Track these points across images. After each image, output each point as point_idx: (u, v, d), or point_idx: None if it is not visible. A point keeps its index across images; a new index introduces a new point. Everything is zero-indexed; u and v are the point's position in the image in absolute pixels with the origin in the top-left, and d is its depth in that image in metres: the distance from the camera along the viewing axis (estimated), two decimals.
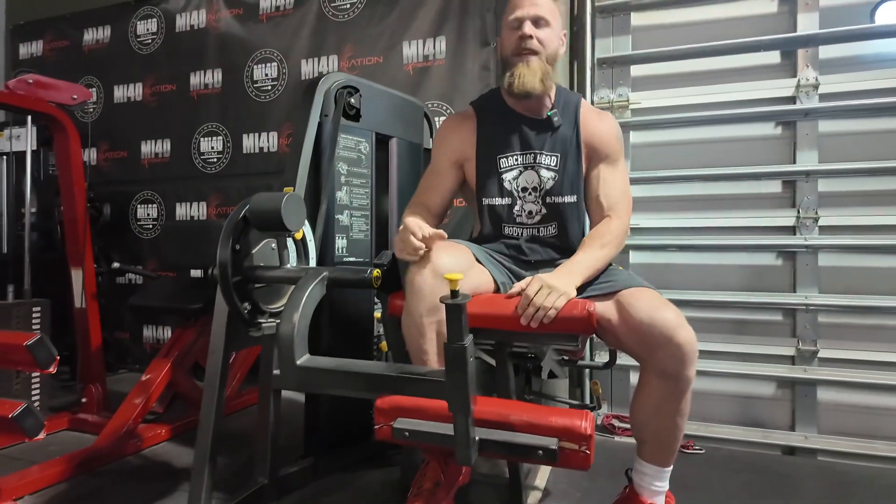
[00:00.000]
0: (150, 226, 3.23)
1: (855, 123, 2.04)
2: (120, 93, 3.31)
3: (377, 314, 1.84)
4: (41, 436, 1.33)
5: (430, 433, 1.11)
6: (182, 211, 3.15)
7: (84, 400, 2.23)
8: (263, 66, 2.96)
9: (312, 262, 1.46)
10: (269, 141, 2.96)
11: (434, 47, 2.62)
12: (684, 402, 1.21)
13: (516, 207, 1.45)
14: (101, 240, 2.99)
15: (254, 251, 1.31)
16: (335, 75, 1.73)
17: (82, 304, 2.23)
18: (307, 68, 2.87)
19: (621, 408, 2.22)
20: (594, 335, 1.35)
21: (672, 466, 1.27)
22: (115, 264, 2.81)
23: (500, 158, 1.45)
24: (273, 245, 1.36)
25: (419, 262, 1.24)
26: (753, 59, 2.15)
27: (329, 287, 1.19)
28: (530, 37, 1.34)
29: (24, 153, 2.24)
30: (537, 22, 1.36)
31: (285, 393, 1.70)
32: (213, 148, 3.08)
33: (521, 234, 1.46)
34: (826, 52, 2.07)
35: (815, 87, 2.05)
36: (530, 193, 1.44)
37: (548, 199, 1.43)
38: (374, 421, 1.21)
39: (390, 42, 2.69)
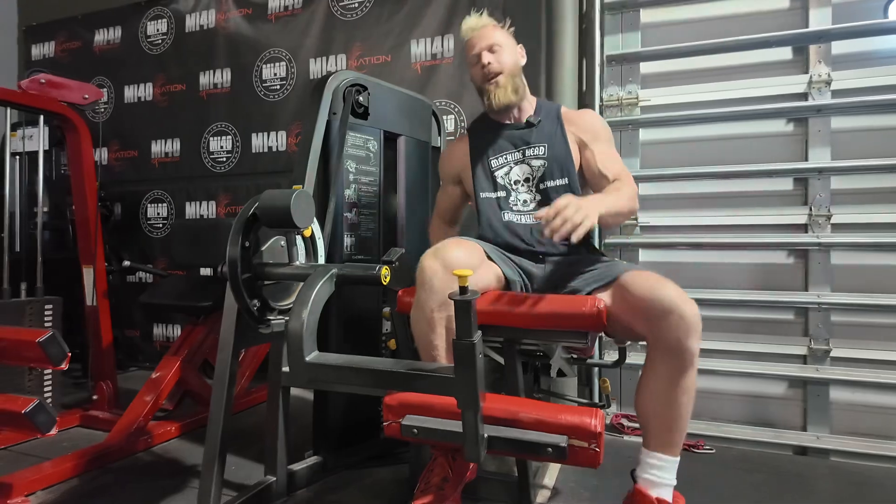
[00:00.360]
0: (160, 225, 3.26)
1: (868, 120, 2.01)
2: (130, 93, 3.34)
3: (385, 311, 1.84)
4: (53, 432, 1.35)
5: (439, 430, 1.11)
6: (192, 210, 3.17)
7: (95, 397, 2.25)
8: (272, 65, 2.97)
9: (321, 260, 1.46)
10: (277, 140, 2.97)
11: (442, 45, 2.62)
12: (689, 378, 1.20)
13: (511, 198, 1.55)
14: (112, 238, 3.02)
15: (263, 248, 1.32)
16: (343, 73, 1.73)
17: (93, 301, 2.25)
18: (316, 67, 2.88)
19: (630, 407, 2.20)
20: (603, 333, 1.35)
21: (679, 459, 1.23)
22: (126, 263, 2.83)
23: (490, 160, 1.58)
24: (282, 242, 1.36)
25: (431, 256, 1.26)
26: (765, 55, 2.12)
27: (338, 284, 1.19)
28: (489, 63, 1.51)
29: (36, 153, 2.26)
30: (491, 49, 1.53)
31: (294, 391, 1.71)
32: (222, 147, 3.10)
33: (521, 220, 1.53)
34: (839, 47, 2.04)
35: (828, 83, 2.03)
36: (523, 185, 1.55)
37: (540, 186, 1.53)
38: (383, 418, 1.21)
39: (398, 40, 2.69)
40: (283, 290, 1.38)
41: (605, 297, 1.29)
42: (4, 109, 2.05)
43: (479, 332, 0.98)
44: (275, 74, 2.97)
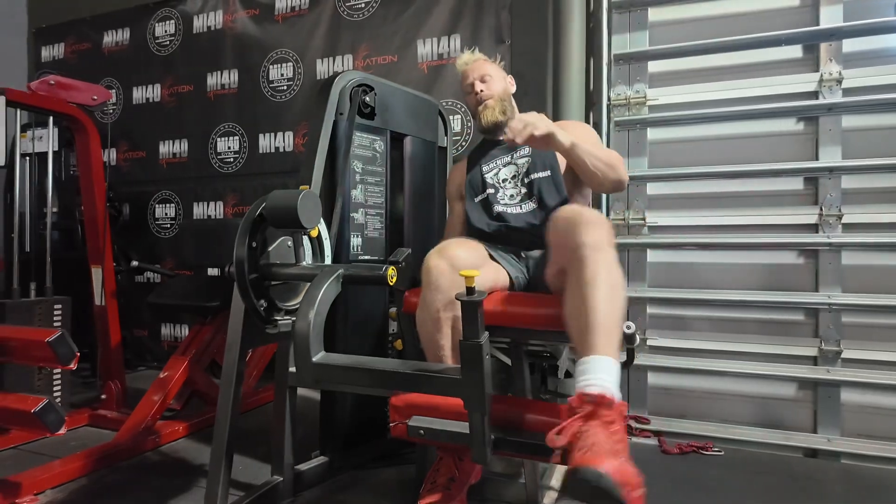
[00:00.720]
0: (168, 225, 3.27)
1: (880, 118, 1.98)
2: (139, 94, 3.36)
3: (392, 312, 1.84)
4: (62, 431, 1.36)
5: (446, 431, 1.10)
6: (199, 210, 3.19)
7: (104, 396, 2.27)
8: (279, 66, 2.98)
9: (328, 260, 1.46)
10: (284, 141, 2.98)
11: (449, 45, 2.61)
12: (594, 272, 1.06)
13: (499, 194, 1.63)
14: (120, 239, 3.03)
15: (270, 249, 1.32)
16: (350, 74, 1.73)
17: (102, 301, 2.26)
18: (322, 68, 2.88)
19: (638, 409, 2.19)
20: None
21: (613, 360, 1.04)
22: (134, 263, 2.85)
23: (482, 167, 1.69)
24: (289, 243, 1.36)
25: (436, 255, 1.26)
26: (774, 53, 2.10)
27: (344, 284, 1.19)
28: (481, 91, 1.68)
29: (46, 154, 2.28)
30: (483, 79, 1.69)
31: (301, 391, 1.71)
32: (229, 148, 3.11)
33: (507, 211, 1.59)
34: (850, 45, 2.02)
35: (839, 81, 2.00)
36: (510, 181, 1.64)
37: (525, 180, 1.60)
38: (390, 419, 1.21)
39: (405, 40, 2.69)
40: (290, 291, 1.38)
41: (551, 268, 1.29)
42: (14, 111, 2.06)
43: (487, 333, 0.98)
44: (282, 75, 2.98)
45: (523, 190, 1.60)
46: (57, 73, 2.34)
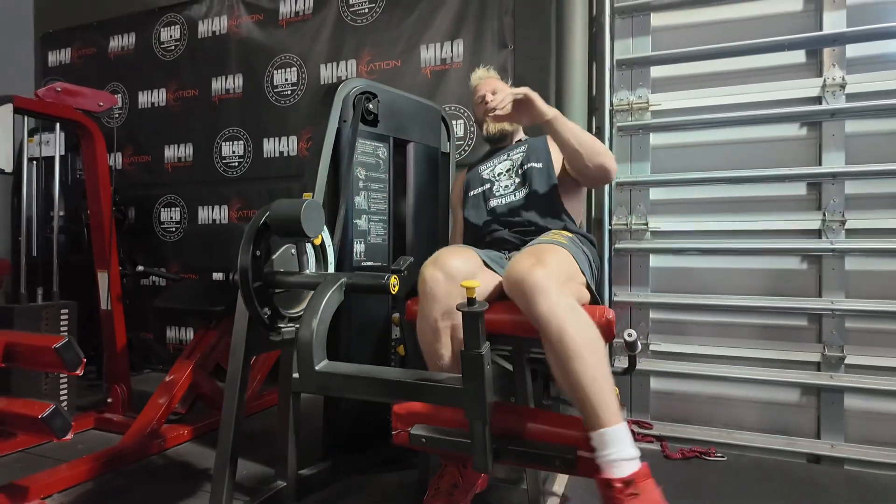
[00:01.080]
0: (174, 229, 3.29)
1: (883, 123, 1.98)
2: (144, 98, 3.38)
3: (395, 317, 1.85)
4: (69, 437, 1.37)
5: (448, 440, 1.11)
6: (204, 214, 3.21)
7: (110, 400, 2.29)
8: (283, 70, 3.00)
9: (331, 268, 1.47)
10: (289, 145, 3.00)
11: (452, 50, 2.62)
12: (565, 343, 1.07)
13: (494, 187, 1.73)
14: (126, 243, 3.06)
15: (274, 257, 1.33)
16: (353, 81, 1.74)
17: (108, 305, 2.28)
18: (326, 73, 2.90)
19: (640, 414, 2.19)
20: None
21: (621, 424, 1.04)
22: (140, 267, 2.87)
23: (481, 166, 1.82)
24: (292, 251, 1.37)
25: (430, 265, 1.27)
26: (777, 58, 2.10)
27: (347, 293, 1.20)
28: (490, 101, 1.66)
29: (52, 158, 2.30)
30: (493, 92, 1.77)
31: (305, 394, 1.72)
32: (234, 152, 3.13)
33: (501, 202, 1.68)
34: (853, 50, 2.02)
35: (842, 86, 2.00)
36: (505, 174, 1.74)
37: (519, 171, 1.70)
38: (392, 426, 1.22)
39: (408, 45, 2.70)
40: (294, 298, 1.39)
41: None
42: (22, 117, 2.08)
43: (488, 343, 0.99)
44: (286, 80, 3.00)
45: (517, 180, 1.70)
46: (63, 78, 2.37)
